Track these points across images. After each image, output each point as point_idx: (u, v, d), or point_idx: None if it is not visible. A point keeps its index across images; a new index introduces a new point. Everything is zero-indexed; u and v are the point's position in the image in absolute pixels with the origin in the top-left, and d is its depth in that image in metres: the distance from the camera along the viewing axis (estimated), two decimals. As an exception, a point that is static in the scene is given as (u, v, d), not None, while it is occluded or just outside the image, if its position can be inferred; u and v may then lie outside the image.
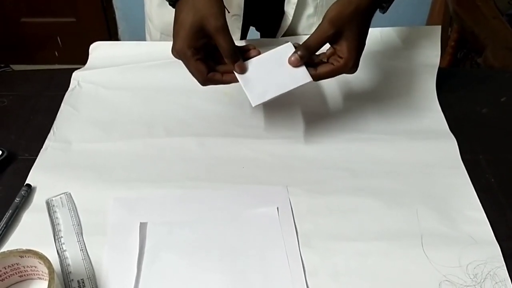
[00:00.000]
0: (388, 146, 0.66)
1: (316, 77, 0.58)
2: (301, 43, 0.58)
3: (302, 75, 0.58)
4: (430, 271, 0.52)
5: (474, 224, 0.57)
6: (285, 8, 0.78)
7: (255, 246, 0.55)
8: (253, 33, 0.92)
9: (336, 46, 0.57)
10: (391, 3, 0.60)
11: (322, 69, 0.58)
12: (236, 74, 0.58)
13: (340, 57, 0.57)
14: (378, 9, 0.60)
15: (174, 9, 0.59)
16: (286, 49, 0.59)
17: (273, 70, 0.58)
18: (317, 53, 0.59)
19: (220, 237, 0.56)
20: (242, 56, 0.58)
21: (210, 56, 0.58)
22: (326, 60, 0.59)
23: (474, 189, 0.61)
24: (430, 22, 1.70)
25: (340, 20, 0.55)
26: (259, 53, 0.59)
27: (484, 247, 0.54)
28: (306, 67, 0.58)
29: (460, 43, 1.39)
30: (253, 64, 0.59)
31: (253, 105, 0.58)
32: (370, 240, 0.55)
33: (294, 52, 0.57)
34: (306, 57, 0.57)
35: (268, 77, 0.58)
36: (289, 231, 0.56)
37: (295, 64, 0.57)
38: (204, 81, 0.58)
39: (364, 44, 0.58)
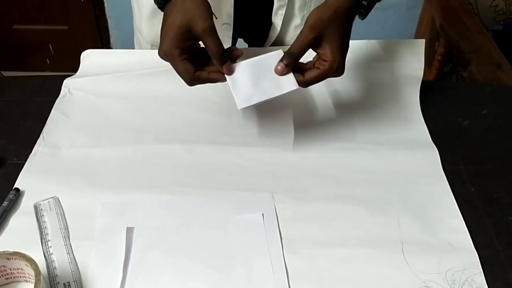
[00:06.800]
0: (372, 156, 0.68)
1: (304, 83, 0.60)
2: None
3: (289, 82, 0.59)
4: (410, 277, 0.53)
5: (453, 232, 0.58)
6: (273, 19, 0.79)
7: (240, 252, 0.56)
8: (242, 45, 0.93)
9: (319, 51, 0.59)
10: (370, 9, 0.61)
11: (309, 74, 0.59)
12: (226, 76, 0.59)
13: (325, 61, 0.58)
14: (357, 16, 0.61)
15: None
16: (276, 56, 0.60)
17: (262, 75, 0.60)
18: (304, 62, 0.60)
19: (205, 243, 0.56)
20: (228, 57, 0.59)
21: (196, 59, 0.59)
22: (312, 67, 0.60)
23: (454, 198, 0.62)
24: (418, 36, 1.73)
25: (320, 24, 0.57)
26: (242, 53, 0.60)
27: (463, 254, 0.56)
28: (295, 74, 0.59)
29: (447, 57, 1.42)
30: (242, 67, 0.60)
31: (239, 108, 0.59)
32: (353, 247, 0.56)
33: (280, 61, 0.59)
34: (291, 64, 0.59)
35: (256, 82, 0.59)
36: (273, 237, 0.57)
37: (281, 73, 0.59)
38: (191, 80, 0.59)
39: (348, 46, 0.60)
